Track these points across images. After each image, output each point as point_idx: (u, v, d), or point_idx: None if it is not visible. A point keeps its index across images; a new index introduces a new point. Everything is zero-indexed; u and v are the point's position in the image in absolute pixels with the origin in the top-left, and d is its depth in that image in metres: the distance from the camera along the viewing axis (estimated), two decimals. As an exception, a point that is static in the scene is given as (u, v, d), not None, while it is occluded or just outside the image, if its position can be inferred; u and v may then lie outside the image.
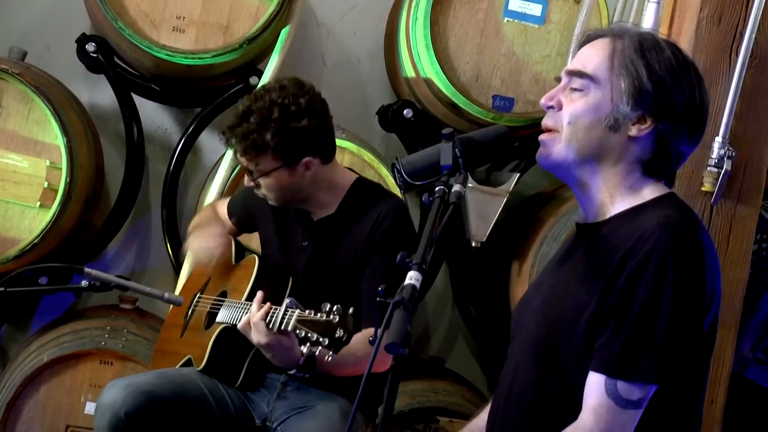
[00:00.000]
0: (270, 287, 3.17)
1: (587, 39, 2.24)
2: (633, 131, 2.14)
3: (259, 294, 2.98)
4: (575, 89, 2.18)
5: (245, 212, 3.49)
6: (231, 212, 3.54)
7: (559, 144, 2.17)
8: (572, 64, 2.22)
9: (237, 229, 3.55)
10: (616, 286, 2.06)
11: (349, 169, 3.44)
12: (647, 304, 2.03)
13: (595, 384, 2.06)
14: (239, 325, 2.96)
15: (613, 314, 2.06)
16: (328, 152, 3.24)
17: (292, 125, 3.13)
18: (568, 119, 2.16)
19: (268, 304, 2.92)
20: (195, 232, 3.50)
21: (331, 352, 2.68)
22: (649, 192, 2.18)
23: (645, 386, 2.05)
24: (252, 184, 3.24)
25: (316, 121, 3.16)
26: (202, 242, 3.44)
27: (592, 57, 2.18)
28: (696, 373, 2.13)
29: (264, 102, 3.13)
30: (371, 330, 2.99)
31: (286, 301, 2.83)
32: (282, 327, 2.81)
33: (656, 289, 2.03)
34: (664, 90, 2.13)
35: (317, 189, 3.24)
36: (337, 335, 2.65)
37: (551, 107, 2.19)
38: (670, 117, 2.14)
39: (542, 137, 2.20)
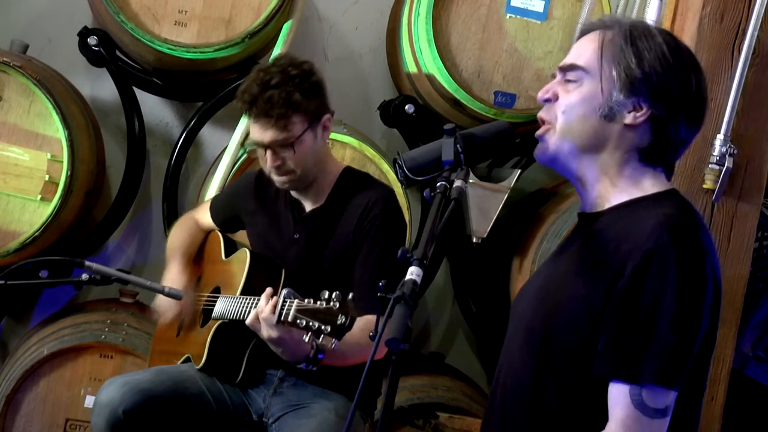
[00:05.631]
0: (263, 280, 3.16)
1: (581, 33, 2.25)
2: (629, 119, 2.15)
3: (269, 289, 2.96)
4: (570, 81, 2.19)
5: (231, 213, 3.48)
6: (215, 216, 3.53)
7: (553, 136, 2.18)
8: (565, 59, 2.23)
9: (222, 231, 3.54)
10: (617, 288, 2.05)
11: None
12: (655, 308, 2.02)
13: (620, 395, 2.05)
14: (248, 321, 2.92)
15: (619, 318, 2.05)
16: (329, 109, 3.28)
17: (312, 80, 3.17)
18: (563, 109, 2.17)
19: (275, 297, 2.90)
20: (172, 260, 3.47)
21: (334, 340, 2.67)
22: (650, 185, 2.18)
23: (669, 392, 2.04)
24: (278, 162, 3.17)
25: (321, 77, 3.21)
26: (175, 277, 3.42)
27: (584, 49, 2.20)
28: (698, 373, 2.13)
29: (276, 68, 3.15)
30: (368, 317, 2.98)
31: (284, 291, 2.81)
32: (282, 318, 2.80)
33: (662, 292, 2.02)
34: (655, 76, 2.13)
35: (318, 168, 3.24)
36: (339, 322, 2.64)
37: (548, 100, 2.20)
38: (664, 103, 2.14)
39: (538, 132, 2.21)
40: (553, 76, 2.23)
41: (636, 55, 2.14)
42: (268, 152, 3.17)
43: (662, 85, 2.14)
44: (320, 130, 3.20)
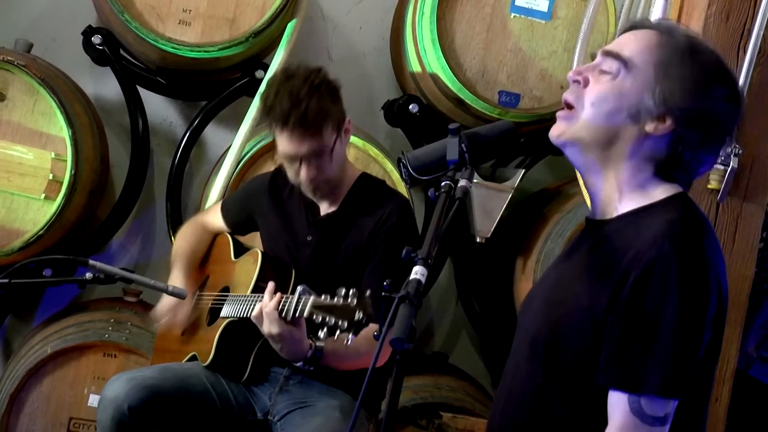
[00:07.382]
0: (274, 280, 3.17)
1: (632, 26, 2.19)
2: (650, 127, 2.09)
3: (271, 284, 2.96)
4: (605, 71, 2.13)
5: (244, 213, 3.48)
6: (227, 217, 3.53)
7: (576, 123, 2.12)
8: (611, 46, 2.16)
9: (233, 232, 3.54)
10: (620, 297, 2.03)
11: None
12: (657, 319, 2.00)
13: (618, 401, 2.04)
14: (253, 314, 2.94)
15: (621, 328, 2.03)
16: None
17: (333, 85, 3.17)
18: (593, 100, 2.11)
19: (279, 293, 2.90)
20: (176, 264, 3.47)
21: (351, 336, 2.66)
22: (660, 193, 2.13)
23: (669, 401, 2.03)
24: (314, 173, 3.16)
25: (337, 83, 3.21)
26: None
27: (632, 43, 2.13)
28: (703, 380, 2.11)
29: (299, 79, 3.13)
30: (372, 326, 2.98)
31: (299, 288, 2.82)
32: (297, 314, 2.80)
33: (663, 303, 2.00)
34: (691, 98, 2.08)
35: (342, 172, 3.25)
36: (356, 318, 2.65)
37: (577, 81, 2.14)
38: (691, 125, 2.09)
39: (560, 113, 2.15)
40: (593, 57, 2.17)
41: (681, 70, 2.08)
42: (303, 163, 3.17)
43: (694, 108, 2.08)
44: (344, 134, 3.22)
